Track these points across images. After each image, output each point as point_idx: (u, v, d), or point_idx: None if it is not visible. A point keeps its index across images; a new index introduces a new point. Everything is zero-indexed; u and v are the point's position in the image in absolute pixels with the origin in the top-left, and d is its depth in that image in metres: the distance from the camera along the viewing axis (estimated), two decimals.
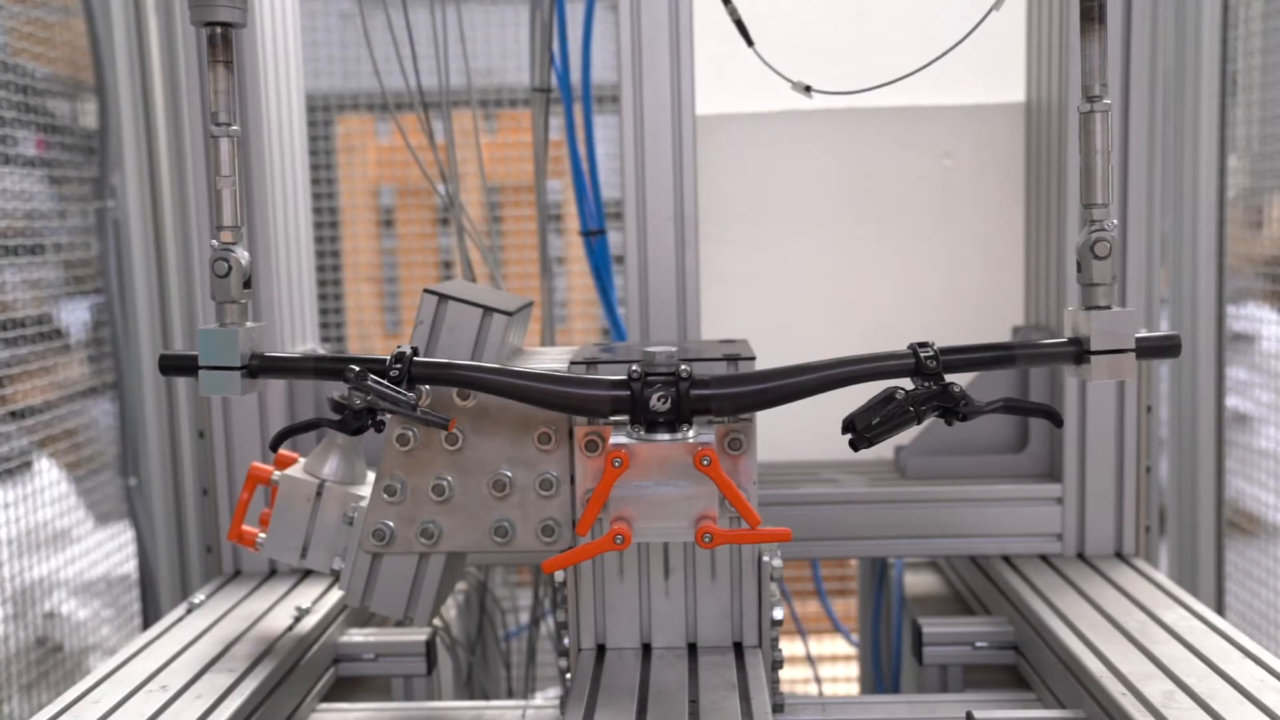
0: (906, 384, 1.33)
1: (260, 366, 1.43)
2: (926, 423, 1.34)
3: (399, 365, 1.37)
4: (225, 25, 1.38)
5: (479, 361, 1.44)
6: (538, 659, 2.58)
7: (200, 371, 1.42)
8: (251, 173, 1.93)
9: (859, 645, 2.70)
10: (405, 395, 1.36)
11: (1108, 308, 1.35)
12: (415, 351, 1.40)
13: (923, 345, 1.33)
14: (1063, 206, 1.97)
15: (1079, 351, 1.35)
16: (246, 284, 1.43)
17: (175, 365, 1.46)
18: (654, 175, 1.91)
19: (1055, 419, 1.41)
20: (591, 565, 1.48)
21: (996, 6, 1.61)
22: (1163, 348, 1.37)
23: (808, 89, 1.81)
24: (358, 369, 1.37)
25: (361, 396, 1.37)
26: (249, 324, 1.44)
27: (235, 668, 1.53)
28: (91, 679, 1.50)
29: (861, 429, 1.32)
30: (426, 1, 2.24)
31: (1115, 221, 1.34)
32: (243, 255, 1.42)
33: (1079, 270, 1.35)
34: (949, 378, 1.33)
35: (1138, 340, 1.35)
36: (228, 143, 1.41)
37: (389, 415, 1.44)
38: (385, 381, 1.36)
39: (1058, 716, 1.49)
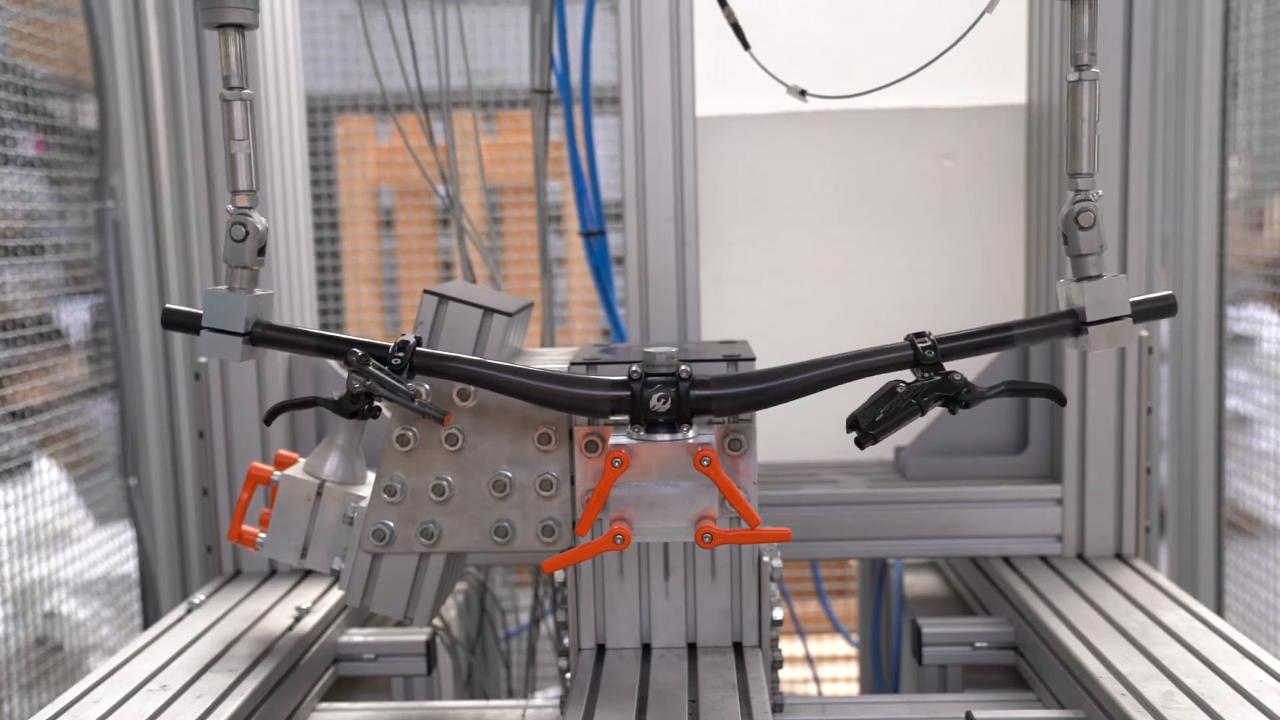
0: (908, 376, 1.33)
1: (262, 335, 1.42)
2: (930, 419, 1.34)
3: (401, 354, 1.37)
4: (238, 27, 1.38)
5: None
6: (538, 659, 2.58)
7: (202, 332, 1.41)
8: (251, 173, 1.92)
9: (859, 645, 2.70)
10: (405, 386, 1.36)
11: (1099, 276, 1.34)
12: (419, 342, 1.39)
13: (919, 336, 1.33)
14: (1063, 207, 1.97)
15: (1076, 324, 1.34)
16: (261, 250, 1.41)
17: (178, 321, 1.43)
18: (654, 175, 1.91)
19: (1058, 398, 1.40)
20: (591, 565, 1.48)
21: (990, 8, 1.61)
22: (1159, 309, 1.35)
23: (803, 93, 1.81)
24: (360, 352, 1.36)
25: (361, 381, 1.36)
26: (257, 291, 1.43)
27: (235, 668, 1.53)
28: (91, 679, 1.50)
29: (866, 426, 1.32)
30: (426, 2, 2.24)
31: (1100, 192, 1.33)
32: (259, 220, 1.41)
33: (1065, 242, 1.34)
34: (949, 367, 1.32)
35: (1133, 304, 1.33)
36: (241, 106, 1.39)
37: (386, 406, 1.43)
38: (386, 369, 1.36)
39: (1057, 717, 1.49)
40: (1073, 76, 1.31)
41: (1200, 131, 2.34)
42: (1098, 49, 1.32)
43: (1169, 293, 1.36)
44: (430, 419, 1.41)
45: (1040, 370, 2.03)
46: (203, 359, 1.92)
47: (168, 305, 1.45)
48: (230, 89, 1.39)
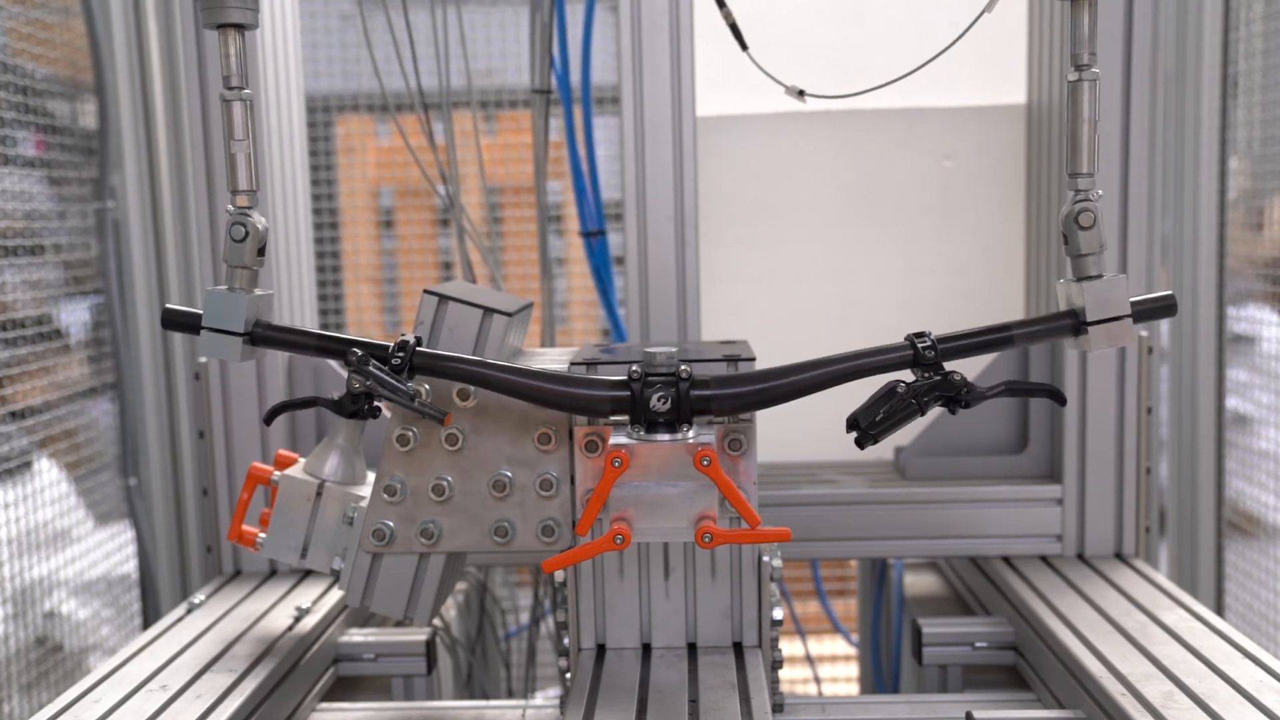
0: (908, 376, 1.33)
1: (262, 335, 1.42)
2: (930, 418, 1.34)
3: (401, 354, 1.37)
4: (238, 27, 1.38)
5: None
6: (538, 659, 2.58)
7: (202, 331, 1.41)
8: (251, 173, 1.92)
9: (859, 645, 2.70)
10: (404, 386, 1.36)
11: (1099, 276, 1.34)
12: (419, 342, 1.39)
13: (919, 336, 1.33)
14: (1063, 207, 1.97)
15: (1076, 323, 1.34)
16: (260, 251, 1.42)
17: (178, 321, 1.43)
18: (654, 175, 1.91)
19: (1058, 397, 1.40)
20: (591, 565, 1.48)
21: (989, 8, 1.61)
22: (1159, 309, 1.35)
23: (801, 93, 1.81)
24: (360, 352, 1.36)
25: (361, 381, 1.36)
26: (257, 291, 1.43)
27: (235, 668, 1.53)
28: (91, 679, 1.50)
29: (866, 426, 1.32)
30: (426, 2, 2.24)
31: (1100, 192, 1.33)
32: (259, 220, 1.41)
33: (1065, 242, 1.34)
34: (949, 367, 1.32)
35: (1133, 304, 1.34)
36: (241, 106, 1.39)
37: (386, 406, 1.43)
38: (386, 369, 1.36)
39: (1057, 717, 1.49)
40: (1073, 76, 1.31)
41: (1200, 131, 2.34)
42: (1098, 49, 1.32)
43: (1169, 293, 1.36)
44: (430, 419, 1.41)
45: (1040, 370, 2.03)
46: (203, 359, 1.93)
47: (167, 305, 1.45)
48: (230, 89, 1.39)
